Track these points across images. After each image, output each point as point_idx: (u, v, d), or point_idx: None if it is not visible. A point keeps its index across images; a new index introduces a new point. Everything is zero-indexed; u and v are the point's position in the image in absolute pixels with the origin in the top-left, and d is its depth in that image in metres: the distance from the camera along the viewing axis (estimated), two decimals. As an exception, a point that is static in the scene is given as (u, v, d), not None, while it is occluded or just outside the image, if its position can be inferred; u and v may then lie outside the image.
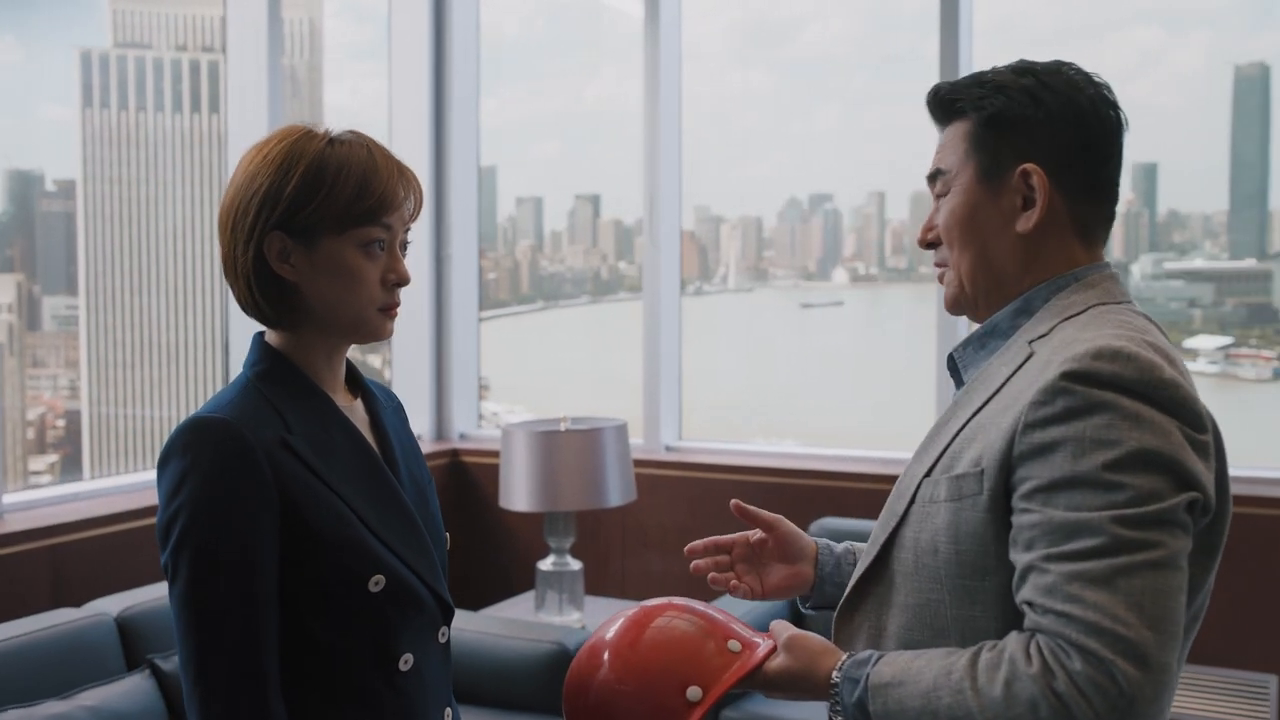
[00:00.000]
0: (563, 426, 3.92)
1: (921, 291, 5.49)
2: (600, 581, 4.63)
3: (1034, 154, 1.49)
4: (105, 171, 4.76)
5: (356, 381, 1.75)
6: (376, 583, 1.56)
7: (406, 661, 1.62)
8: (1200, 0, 4.75)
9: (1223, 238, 4.92)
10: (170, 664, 2.94)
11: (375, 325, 1.64)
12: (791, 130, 5.48)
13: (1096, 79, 1.52)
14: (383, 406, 1.77)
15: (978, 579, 1.38)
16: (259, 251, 1.57)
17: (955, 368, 1.59)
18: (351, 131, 1.63)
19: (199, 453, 1.50)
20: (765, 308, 5.80)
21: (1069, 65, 1.52)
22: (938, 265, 1.59)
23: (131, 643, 3.02)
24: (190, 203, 4.75)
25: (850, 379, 5.62)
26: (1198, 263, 4.93)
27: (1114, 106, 1.52)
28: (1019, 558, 1.33)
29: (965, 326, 4.44)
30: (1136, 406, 1.29)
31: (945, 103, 1.56)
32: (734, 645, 1.53)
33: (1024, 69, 1.52)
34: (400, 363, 4.99)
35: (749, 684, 1.52)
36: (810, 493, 4.36)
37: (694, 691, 1.50)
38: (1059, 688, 1.24)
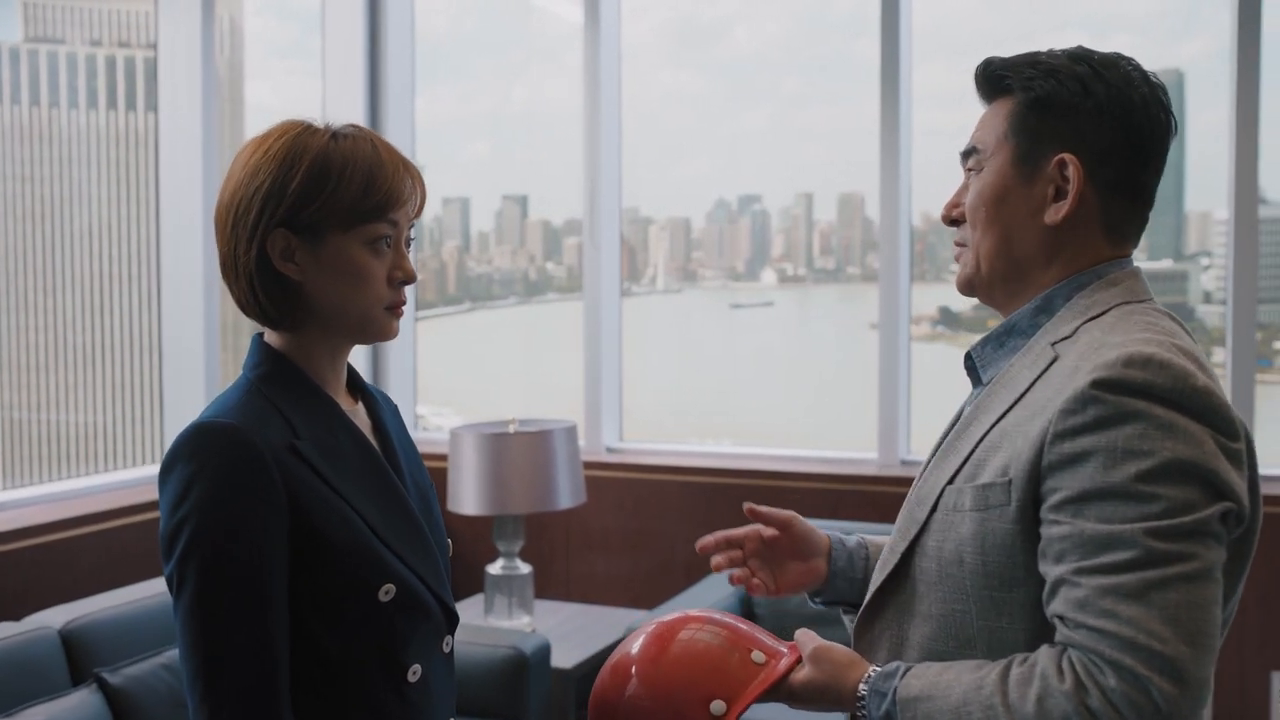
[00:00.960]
0: (511, 428, 3.87)
1: (849, 292, 5.54)
2: (546, 584, 4.59)
3: (1074, 144, 1.44)
4: (16, 169, 4.59)
5: (356, 384, 1.70)
6: (387, 592, 1.52)
7: (415, 672, 1.57)
8: (1123, 7, 4.87)
9: (1141, 239, 5.04)
10: (119, 678, 2.85)
11: (382, 325, 1.59)
12: (720, 131, 5.49)
13: (1153, 79, 1.47)
14: (383, 409, 1.72)
15: (1005, 590, 1.36)
16: (262, 250, 1.52)
17: (973, 366, 1.55)
18: (353, 126, 1.59)
19: (205, 458, 1.44)
20: (694, 309, 5.81)
21: (1127, 60, 1.48)
22: (957, 244, 1.55)
23: (77, 656, 2.92)
24: (110, 201, 4.61)
25: (783, 379, 5.65)
26: (1118, 263, 5.04)
27: (1166, 110, 1.47)
28: (1049, 570, 1.30)
29: (907, 326, 4.48)
30: (1170, 415, 1.26)
31: (994, 78, 1.51)
32: (758, 656, 1.50)
33: (1080, 56, 1.47)
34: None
35: (773, 696, 1.48)
36: (757, 493, 4.36)
37: (718, 705, 1.47)
38: (1093, 705, 1.21)
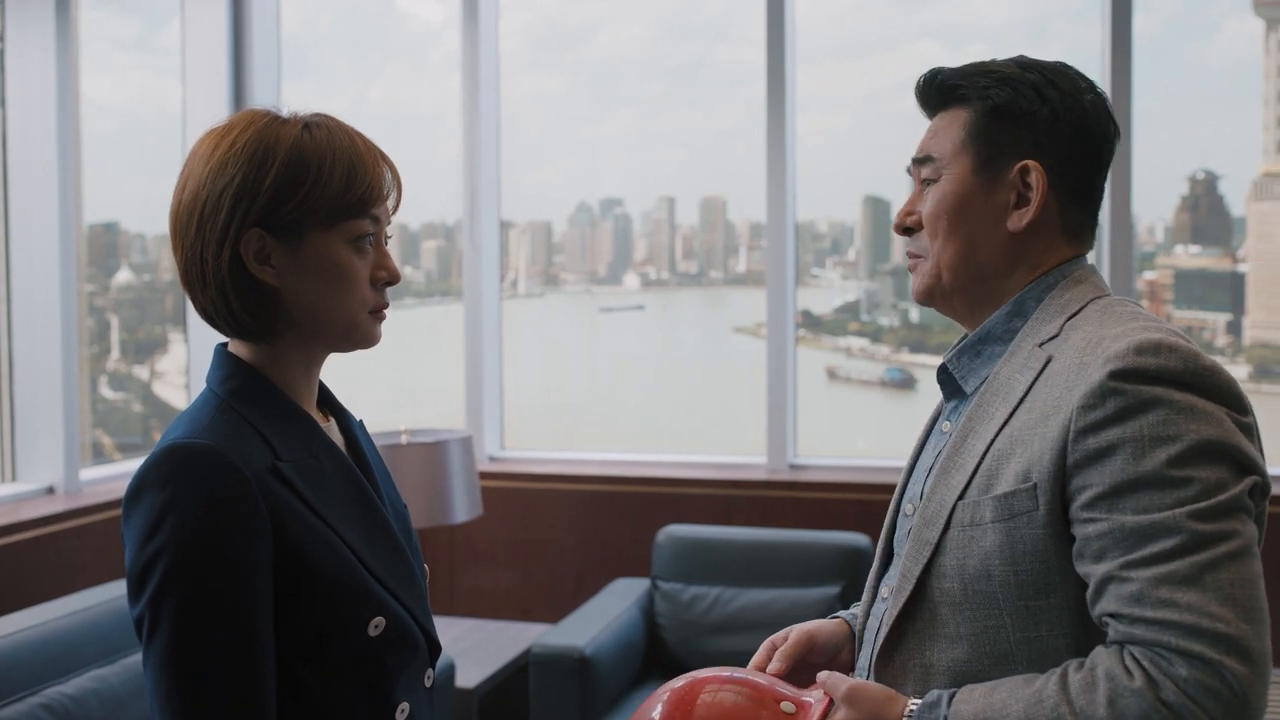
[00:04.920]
0: (404, 439, 3.74)
1: (712, 296, 5.57)
2: (430, 599, 4.45)
3: (1035, 151, 1.45)
4: None
5: (325, 399, 1.58)
6: (376, 626, 1.41)
7: (403, 711, 1.47)
8: (979, 19, 5.03)
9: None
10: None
11: (366, 330, 1.48)
12: (581, 135, 5.45)
13: (1097, 87, 1.50)
14: (355, 426, 1.61)
15: (1041, 598, 1.33)
16: (236, 253, 1.39)
17: (948, 378, 1.53)
18: (321, 114, 1.47)
19: (182, 485, 1.31)
20: (558, 313, 5.75)
21: (1070, 67, 1.50)
22: (912, 254, 1.54)
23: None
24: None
25: (654, 383, 5.65)
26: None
27: (1111, 115, 1.50)
28: (1091, 569, 1.28)
29: (793, 329, 4.50)
30: (1187, 398, 1.26)
31: (945, 88, 1.50)
32: (788, 707, 1.42)
33: (1029, 64, 1.48)
34: (200, 379, 4.65)
35: None
36: (648, 500, 4.33)
37: None
38: (1168, 698, 1.19)
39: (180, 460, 1.32)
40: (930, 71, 1.52)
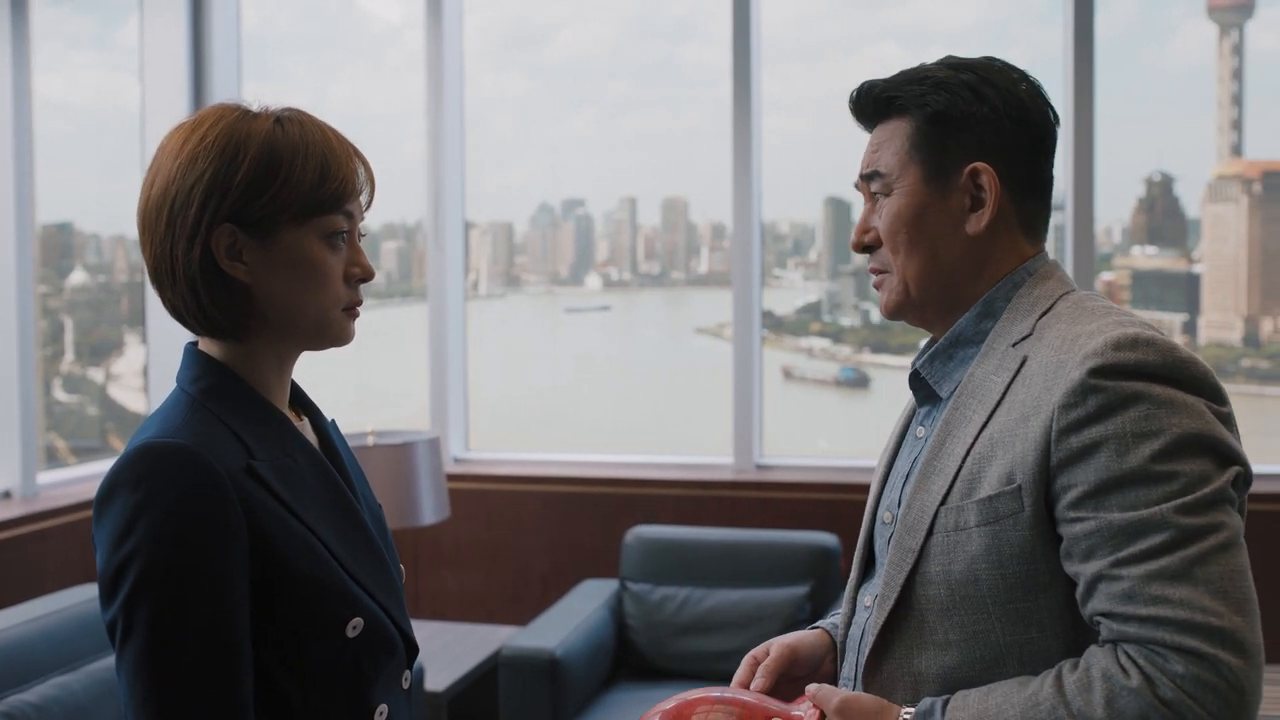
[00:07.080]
0: (370, 440, 3.71)
1: (674, 296, 5.57)
2: (397, 602, 4.41)
3: (982, 152, 1.44)
4: None
5: (298, 398, 1.56)
6: (354, 627, 1.39)
7: (381, 713, 1.45)
8: (939, 21, 5.06)
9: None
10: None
11: (339, 327, 1.46)
12: (543, 135, 5.44)
13: (1030, 75, 1.48)
14: (329, 425, 1.59)
15: (1030, 599, 1.32)
16: (207, 248, 1.37)
17: (921, 383, 1.52)
18: (291, 109, 1.46)
19: (155, 484, 1.28)
20: (519, 314, 5.73)
21: (998, 60, 1.48)
22: (876, 271, 1.52)
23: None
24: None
25: (618, 384, 5.64)
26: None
27: (1048, 101, 1.48)
28: (1080, 569, 1.27)
29: (759, 329, 4.50)
30: (1168, 392, 1.26)
31: (881, 101, 1.49)
32: None
33: (959, 64, 1.47)
34: (158, 381, 4.60)
35: None
36: (616, 502, 4.32)
37: None
38: (1166, 695, 1.18)
39: (153, 459, 1.29)
40: (864, 85, 1.51)
